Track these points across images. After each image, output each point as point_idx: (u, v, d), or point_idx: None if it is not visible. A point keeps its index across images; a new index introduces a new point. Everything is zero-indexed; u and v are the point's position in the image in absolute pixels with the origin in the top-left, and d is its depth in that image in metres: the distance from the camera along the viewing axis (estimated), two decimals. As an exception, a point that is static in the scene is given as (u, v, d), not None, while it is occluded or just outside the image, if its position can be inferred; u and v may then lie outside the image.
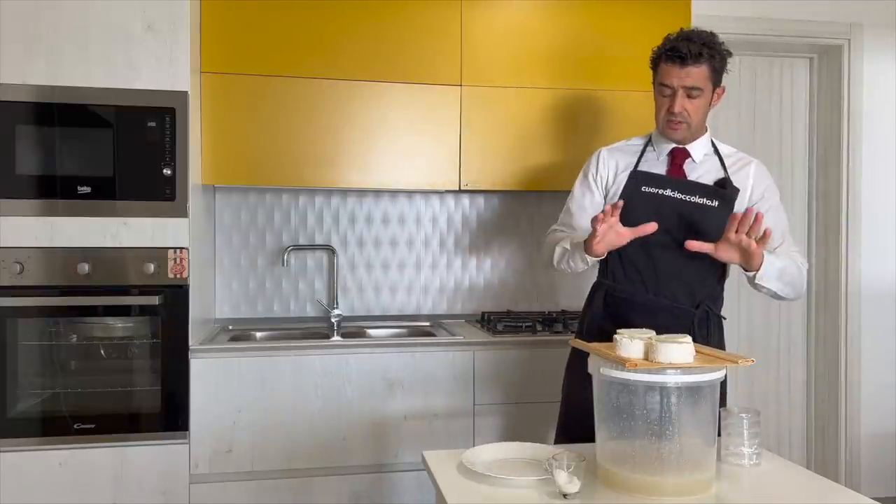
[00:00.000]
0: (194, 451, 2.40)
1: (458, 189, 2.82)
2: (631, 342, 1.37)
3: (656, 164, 1.98)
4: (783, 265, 1.83)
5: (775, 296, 1.89)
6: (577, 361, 2.00)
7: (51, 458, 2.31)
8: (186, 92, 2.39)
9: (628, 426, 1.36)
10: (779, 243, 1.93)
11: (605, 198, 2.02)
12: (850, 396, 3.49)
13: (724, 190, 1.91)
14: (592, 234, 1.77)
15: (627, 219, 1.83)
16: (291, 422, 2.45)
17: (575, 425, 1.90)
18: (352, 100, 2.71)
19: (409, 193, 3.11)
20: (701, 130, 1.96)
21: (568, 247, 1.91)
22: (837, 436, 3.51)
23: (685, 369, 1.34)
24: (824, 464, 3.55)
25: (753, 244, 1.70)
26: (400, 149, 2.76)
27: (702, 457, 1.38)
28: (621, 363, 1.33)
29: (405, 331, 2.95)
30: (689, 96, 1.87)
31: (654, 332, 1.46)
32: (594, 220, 1.74)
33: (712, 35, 1.88)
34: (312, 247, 3.05)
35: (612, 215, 1.74)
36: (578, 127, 2.85)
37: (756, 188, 1.97)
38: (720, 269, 1.97)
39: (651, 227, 1.76)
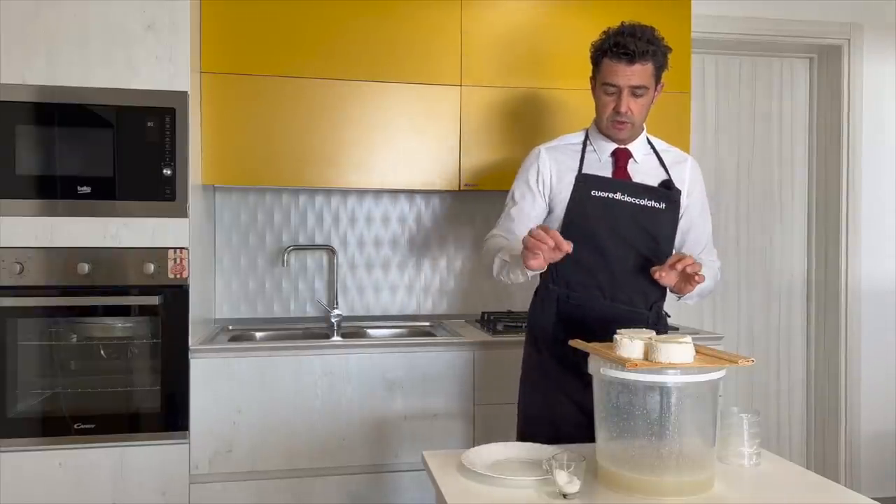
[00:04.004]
0: (194, 451, 2.40)
1: (458, 189, 2.82)
2: (631, 342, 1.37)
3: (599, 165, 1.89)
4: (704, 285, 1.79)
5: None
6: (539, 374, 1.94)
7: (51, 458, 2.32)
8: (186, 92, 2.39)
9: (628, 426, 1.36)
10: (702, 248, 1.97)
11: (549, 201, 1.92)
12: (850, 396, 3.49)
13: (671, 192, 1.89)
14: (526, 250, 1.60)
15: (580, 224, 1.81)
16: (291, 422, 2.45)
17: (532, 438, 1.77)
18: (352, 100, 2.71)
19: (409, 193, 3.11)
20: (641, 128, 1.92)
21: (507, 259, 1.79)
22: (837, 435, 3.51)
23: (685, 369, 1.34)
24: (824, 464, 3.55)
25: (695, 280, 1.69)
26: (400, 149, 2.76)
27: (702, 457, 1.38)
28: (621, 363, 1.33)
29: (405, 331, 2.95)
30: (634, 95, 1.80)
31: (653, 333, 1.46)
32: (528, 239, 1.59)
33: (654, 30, 1.82)
34: (312, 247, 3.05)
35: (551, 239, 1.56)
36: (578, 126, 2.84)
37: (691, 187, 1.95)
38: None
39: (569, 247, 1.58)
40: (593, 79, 1.89)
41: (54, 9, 2.30)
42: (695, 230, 1.96)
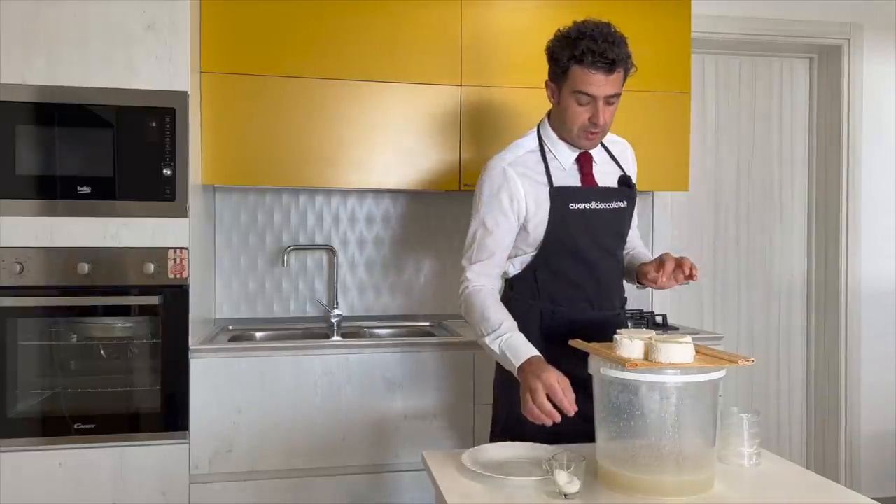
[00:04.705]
0: (194, 451, 2.40)
1: (458, 189, 2.82)
2: (631, 342, 1.37)
3: (565, 174, 1.81)
4: None
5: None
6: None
7: (51, 458, 2.31)
8: (186, 92, 2.39)
9: (628, 426, 1.36)
10: (636, 236, 2.01)
11: (523, 222, 1.80)
12: (850, 396, 3.49)
13: (631, 189, 1.88)
14: (525, 406, 1.57)
15: (563, 240, 1.78)
16: (291, 422, 2.45)
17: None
18: (352, 100, 2.71)
19: (409, 193, 3.11)
20: None
21: (497, 351, 1.70)
22: (837, 435, 3.51)
23: (685, 369, 1.34)
24: (824, 464, 3.55)
25: (682, 280, 1.72)
26: (400, 149, 2.76)
27: (702, 457, 1.38)
28: (621, 363, 1.33)
29: (405, 331, 2.95)
30: (608, 103, 1.71)
31: (653, 333, 1.46)
32: (533, 410, 1.54)
33: (614, 29, 1.71)
34: (312, 247, 3.05)
35: (558, 416, 1.54)
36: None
37: (633, 174, 1.95)
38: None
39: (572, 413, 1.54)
40: (554, 84, 1.77)
41: (54, 9, 2.30)
42: (634, 215, 1.96)
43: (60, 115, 2.32)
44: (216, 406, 2.41)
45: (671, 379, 1.33)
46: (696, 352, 1.39)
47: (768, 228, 3.61)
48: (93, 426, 2.34)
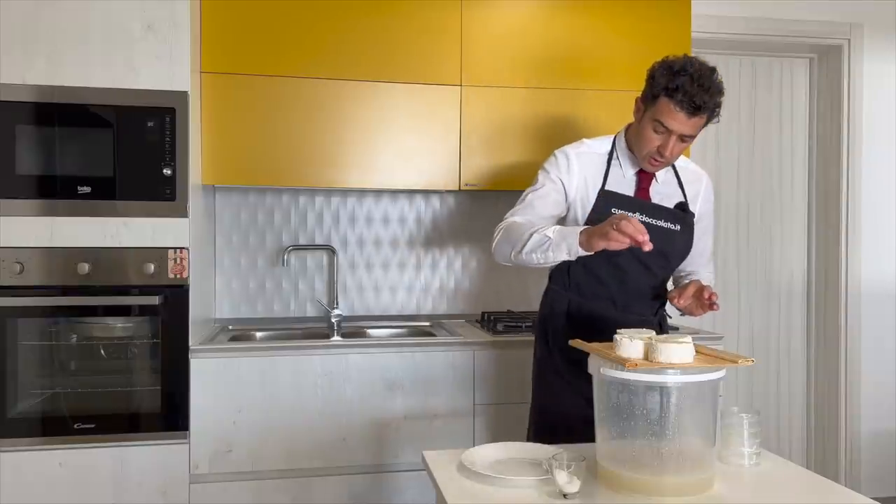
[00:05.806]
0: (194, 451, 2.40)
1: (458, 189, 2.82)
2: (631, 342, 1.37)
3: (623, 182, 1.90)
4: None
5: None
6: (550, 371, 1.97)
7: (51, 458, 2.32)
8: (186, 92, 2.39)
9: (628, 426, 1.36)
10: (702, 263, 2.05)
11: (568, 204, 1.91)
12: (850, 396, 3.49)
13: (686, 214, 1.93)
14: (606, 235, 1.52)
15: None
16: (291, 422, 2.45)
17: (548, 435, 1.80)
18: (352, 100, 2.71)
19: (409, 193, 3.11)
20: None
21: (551, 235, 1.67)
22: (837, 435, 3.51)
23: (685, 369, 1.34)
24: (824, 464, 3.55)
25: (707, 309, 1.78)
26: (400, 149, 2.76)
27: (702, 457, 1.38)
28: (621, 363, 1.33)
29: (405, 331, 2.95)
30: (681, 140, 1.79)
31: (653, 333, 1.46)
32: (620, 222, 1.50)
33: (718, 74, 1.75)
34: (312, 247, 3.05)
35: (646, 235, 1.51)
36: (578, 127, 2.85)
37: (703, 205, 2.00)
38: (667, 279, 2.03)
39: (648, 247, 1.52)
40: (643, 102, 1.82)
41: (54, 9, 2.30)
42: (698, 245, 2.00)
43: (60, 115, 2.32)
44: (216, 406, 2.40)
45: (671, 379, 1.33)
46: (696, 352, 1.39)
47: (768, 228, 3.61)
48: (93, 426, 2.34)
